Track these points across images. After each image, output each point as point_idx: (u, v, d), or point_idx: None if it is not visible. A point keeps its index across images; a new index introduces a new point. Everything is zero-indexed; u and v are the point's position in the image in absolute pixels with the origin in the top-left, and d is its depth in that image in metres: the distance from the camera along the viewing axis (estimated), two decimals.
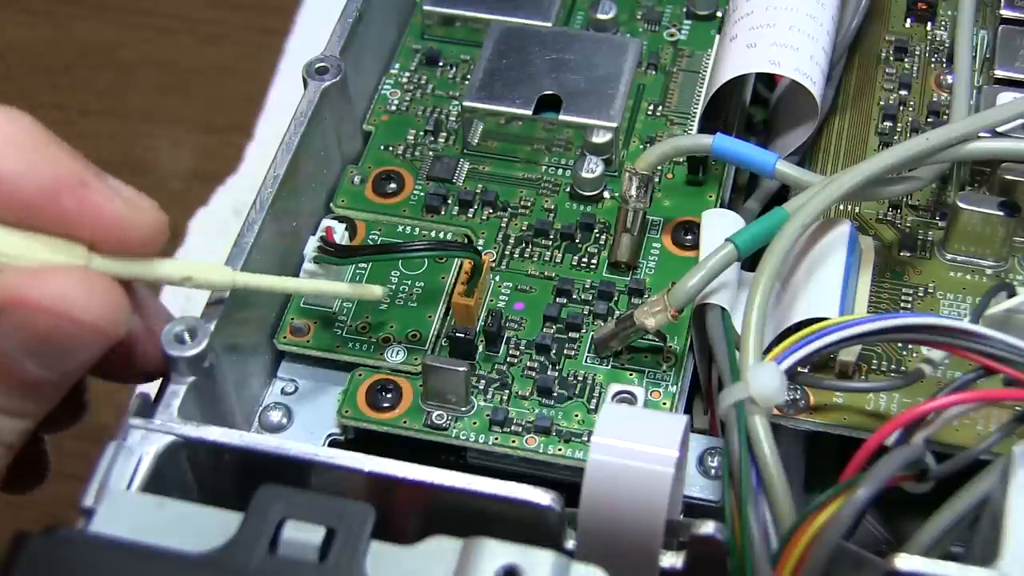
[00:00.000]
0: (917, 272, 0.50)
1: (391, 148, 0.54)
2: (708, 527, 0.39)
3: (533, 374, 0.47)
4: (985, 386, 0.43)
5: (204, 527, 0.37)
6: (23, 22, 0.83)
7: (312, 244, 0.49)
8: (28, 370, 0.39)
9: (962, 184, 0.52)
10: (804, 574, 0.38)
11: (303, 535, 0.36)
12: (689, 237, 0.50)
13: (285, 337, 0.48)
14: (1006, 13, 0.55)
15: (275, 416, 0.47)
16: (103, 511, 0.38)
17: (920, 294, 0.49)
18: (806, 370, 0.47)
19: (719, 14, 0.57)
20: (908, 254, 0.51)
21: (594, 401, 0.46)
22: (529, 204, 0.52)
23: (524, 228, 0.51)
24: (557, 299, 0.49)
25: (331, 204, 0.52)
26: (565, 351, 0.48)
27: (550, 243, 0.51)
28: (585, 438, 0.45)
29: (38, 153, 0.38)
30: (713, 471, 0.44)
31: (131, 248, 0.40)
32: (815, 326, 0.42)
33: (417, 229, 0.51)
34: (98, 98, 0.79)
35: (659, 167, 0.51)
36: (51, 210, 0.38)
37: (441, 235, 0.51)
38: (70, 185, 0.38)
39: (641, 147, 0.53)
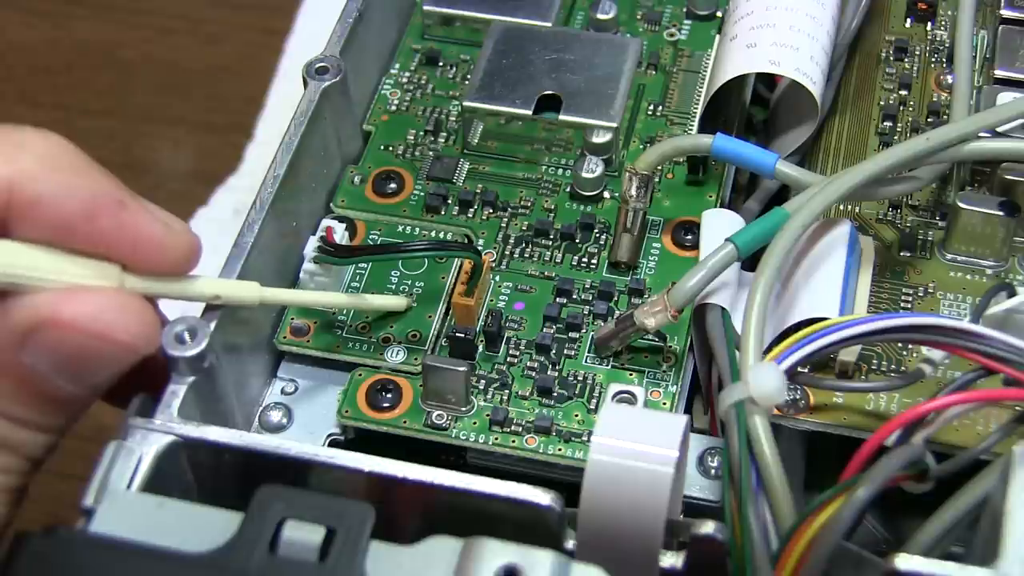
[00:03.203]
0: (917, 272, 0.50)
1: (391, 148, 0.54)
2: (708, 527, 0.39)
3: (533, 374, 0.47)
4: (985, 386, 0.43)
5: (204, 527, 0.37)
6: (23, 22, 0.83)
7: (312, 244, 0.49)
8: (59, 387, 0.39)
9: (962, 184, 0.52)
10: (804, 574, 0.38)
11: (303, 535, 0.36)
12: (689, 237, 0.50)
13: (285, 337, 0.48)
14: (1006, 13, 0.55)
15: (275, 416, 0.47)
16: (103, 511, 0.38)
17: (920, 294, 0.49)
18: (806, 370, 0.47)
19: (719, 14, 0.57)
20: (908, 254, 0.51)
21: (594, 401, 0.46)
22: (529, 204, 0.52)
23: (524, 228, 0.51)
24: (557, 299, 0.49)
25: (331, 204, 0.52)
26: (565, 351, 0.48)
27: (550, 243, 0.51)
28: (585, 438, 0.45)
29: (77, 174, 0.39)
30: (713, 471, 0.44)
31: (165, 269, 0.41)
32: (815, 326, 0.42)
33: (417, 229, 0.51)
34: (98, 98, 0.79)
35: (659, 167, 0.51)
36: (89, 231, 0.39)
37: (441, 235, 0.51)
38: (108, 206, 0.39)
39: (641, 147, 0.53)
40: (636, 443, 0.39)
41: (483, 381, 0.47)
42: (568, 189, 0.52)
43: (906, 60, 0.56)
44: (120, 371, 0.40)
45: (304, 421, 0.47)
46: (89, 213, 0.39)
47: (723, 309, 0.46)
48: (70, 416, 0.41)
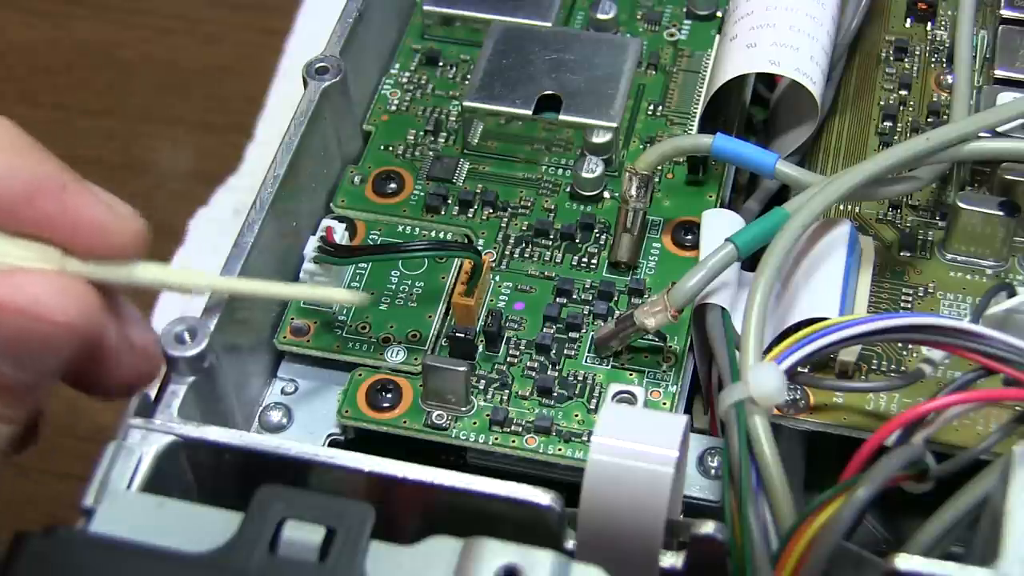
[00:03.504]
0: (917, 272, 0.50)
1: (391, 148, 0.54)
2: (708, 527, 0.39)
3: (533, 374, 0.47)
4: (985, 386, 0.43)
5: (204, 527, 0.37)
6: (23, 22, 0.83)
7: (312, 244, 0.49)
8: (3, 372, 0.39)
9: (962, 184, 0.52)
10: (804, 574, 0.38)
11: (303, 535, 0.36)
12: (689, 237, 0.50)
13: (285, 337, 0.48)
14: (1006, 13, 0.55)
15: (275, 416, 0.47)
16: (103, 511, 0.38)
17: (920, 294, 0.49)
18: (806, 370, 0.47)
19: (719, 14, 0.57)
20: (908, 254, 0.51)
21: (594, 401, 0.46)
22: (529, 204, 0.52)
23: (524, 228, 0.51)
24: (557, 299, 0.49)
25: (331, 204, 0.52)
26: (565, 351, 0.48)
27: (550, 243, 0.51)
28: (585, 438, 0.45)
29: (19, 156, 0.38)
30: (713, 471, 0.44)
31: (108, 253, 0.40)
32: (815, 326, 0.42)
33: (417, 229, 0.51)
34: (98, 98, 0.79)
35: (659, 167, 0.51)
36: (30, 212, 0.39)
37: (441, 235, 0.51)
38: (51, 188, 0.39)
39: (641, 147, 0.53)
40: (636, 443, 0.39)
41: (483, 381, 0.47)
42: (568, 189, 0.52)
43: (906, 60, 0.56)
44: (67, 355, 0.39)
45: (304, 421, 0.47)
46: (30, 195, 0.38)
47: (723, 309, 0.46)
48: (23, 405, 0.40)
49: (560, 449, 0.45)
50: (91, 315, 0.39)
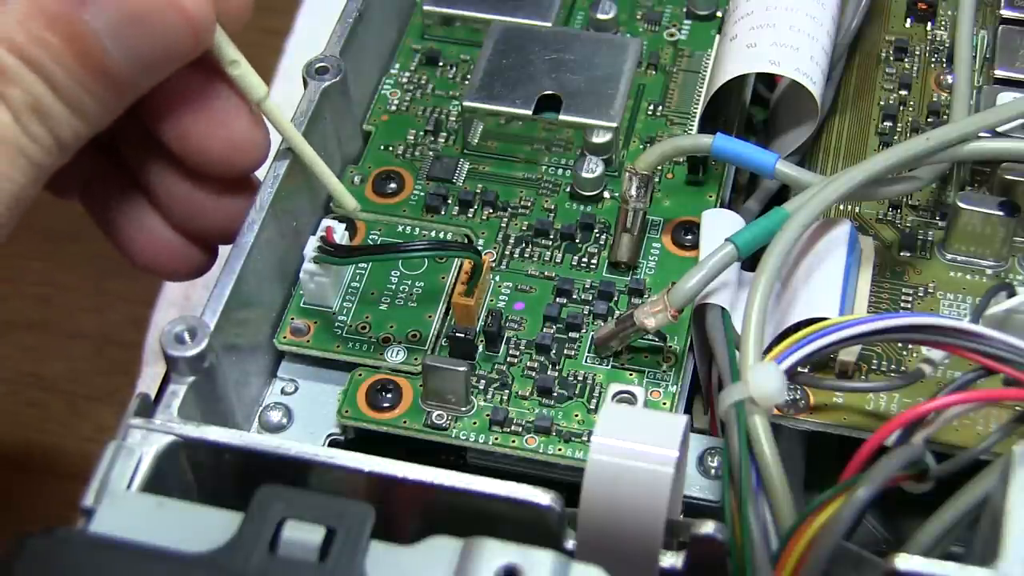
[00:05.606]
0: (917, 272, 0.50)
1: (391, 148, 0.54)
2: (708, 527, 0.39)
3: (533, 374, 0.47)
4: (985, 386, 0.43)
5: (204, 527, 0.37)
6: None
7: (312, 244, 0.48)
8: (108, 54, 0.38)
9: (962, 184, 0.52)
10: (804, 574, 0.38)
11: (303, 535, 0.36)
12: (689, 237, 0.50)
13: (285, 337, 0.48)
14: (1006, 13, 0.55)
15: (275, 416, 0.47)
16: (103, 511, 0.38)
17: (920, 294, 0.50)
18: (806, 370, 0.47)
19: (719, 14, 0.57)
20: (908, 254, 0.51)
21: (594, 401, 0.46)
22: (529, 204, 0.52)
23: (524, 228, 0.51)
24: (557, 299, 0.49)
25: (331, 204, 0.52)
26: (565, 351, 0.48)
27: (550, 243, 0.51)
28: (585, 438, 0.45)
29: None
30: (713, 471, 0.44)
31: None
32: (815, 326, 0.42)
33: (417, 229, 0.51)
34: None
35: (659, 167, 0.51)
36: None
37: (441, 235, 0.51)
38: None
39: (641, 147, 0.53)
40: (636, 443, 0.39)
41: (483, 381, 0.47)
42: (568, 189, 0.52)
43: (906, 60, 0.56)
44: (173, 54, 0.40)
45: (304, 421, 0.47)
46: None
47: (723, 309, 0.46)
48: (106, 102, 0.40)
49: (560, 449, 0.45)
50: (208, 15, 0.40)
